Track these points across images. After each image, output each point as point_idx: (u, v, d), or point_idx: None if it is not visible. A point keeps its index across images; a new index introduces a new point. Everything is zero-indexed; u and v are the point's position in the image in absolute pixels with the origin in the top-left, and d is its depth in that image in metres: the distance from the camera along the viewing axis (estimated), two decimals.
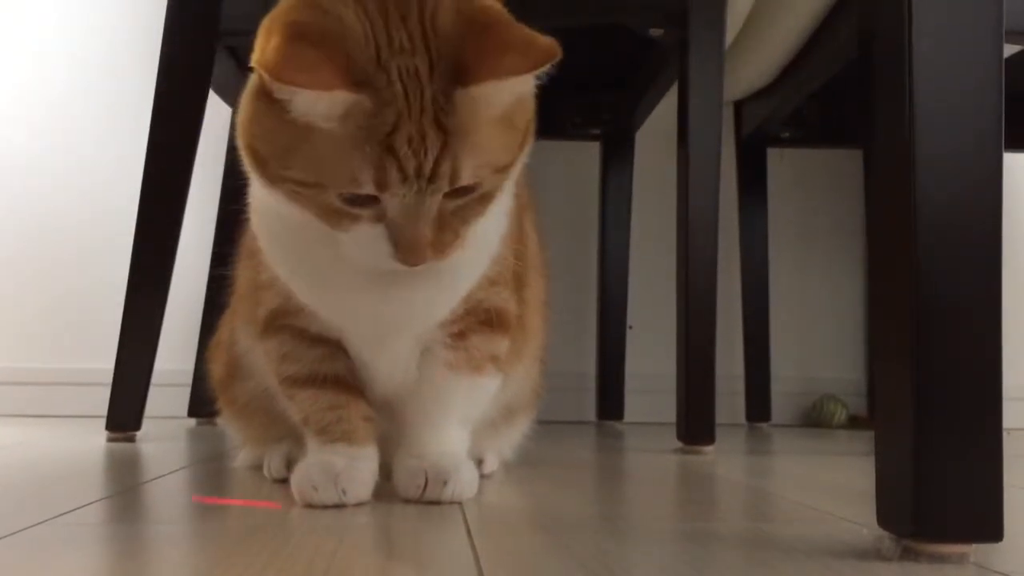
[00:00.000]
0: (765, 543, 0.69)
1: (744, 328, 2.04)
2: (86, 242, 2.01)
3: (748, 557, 0.64)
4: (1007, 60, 0.65)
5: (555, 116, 1.96)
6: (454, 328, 0.83)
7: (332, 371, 0.84)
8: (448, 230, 0.69)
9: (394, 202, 0.67)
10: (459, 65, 0.66)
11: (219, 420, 1.15)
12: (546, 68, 0.66)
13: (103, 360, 1.49)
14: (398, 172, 0.65)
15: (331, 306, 0.80)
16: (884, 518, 0.63)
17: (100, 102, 2.04)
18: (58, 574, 0.54)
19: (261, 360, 0.91)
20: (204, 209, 1.77)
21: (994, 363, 0.60)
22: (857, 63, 1.60)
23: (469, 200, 0.69)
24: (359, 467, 0.80)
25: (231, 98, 1.74)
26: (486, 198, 0.70)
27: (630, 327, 2.04)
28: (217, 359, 1.05)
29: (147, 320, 1.41)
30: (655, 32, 1.47)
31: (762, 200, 2.07)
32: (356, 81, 0.64)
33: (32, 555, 0.60)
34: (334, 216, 0.69)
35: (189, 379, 1.76)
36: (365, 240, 0.69)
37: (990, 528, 0.59)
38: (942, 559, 0.60)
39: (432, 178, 0.65)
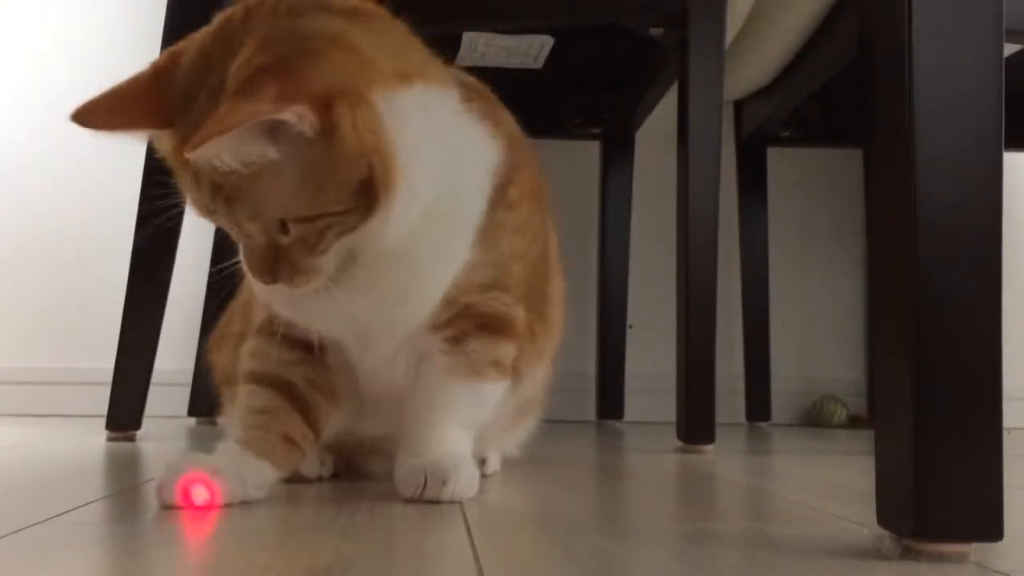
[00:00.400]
0: (765, 543, 0.69)
1: (744, 328, 2.04)
2: (86, 242, 2.01)
3: (748, 557, 0.64)
4: (1007, 59, 0.65)
5: (555, 116, 1.96)
6: (448, 332, 0.84)
7: (284, 375, 0.85)
8: (284, 263, 0.73)
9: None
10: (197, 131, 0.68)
11: (220, 419, 1.15)
12: (215, 140, 0.65)
13: (103, 359, 1.49)
14: (194, 200, 0.73)
15: (291, 312, 0.82)
16: (884, 517, 0.63)
17: None
18: (58, 573, 0.54)
19: None
20: None
21: (994, 363, 0.60)
22: (857, 62, 1.60)
23: (292, 240, 0.72)
24: (240, 470, 0.78)
25: None
26: (305, 241, 0.72)
27: (630, 326, 2.04)
28: (223, 351, 1.04)
29: (147, 319, 1.41)
30: (655, 32, 1.47)
31: (762, 200, 2.07)
32: (173, 117, 0.71)
33: (32, 554, 0.60)
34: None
35: (189, 378, 1.76)
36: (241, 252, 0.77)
37: (990, 527, 0.59)
38: (942, 558, 0.60)
39: (212, 211, 0.71)
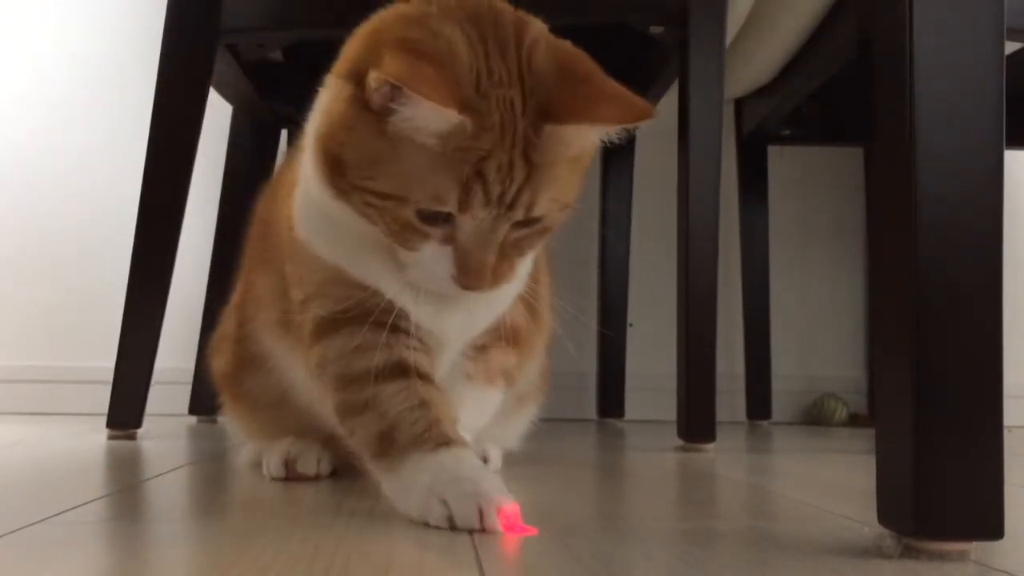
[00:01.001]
0: (766, 541, 0.69)
1: (744, 326, 2.04)
2: (87, 241, 2.01)
3: (748, 556, 0.64)
4: (1008, 57, 0.64)
5: None
6: (479, 341, 0.86)
7: (418, 362, 0.77)
8: (506, 260, 0.72)
9: (468, 225, 0.69)
10: (551, 104, 0.68)
11: (220, 418, 1.15)
12: (638, 125, 0.70)
13: (104, 358, 1.49)
14: (483, 195, 0.67)
15: (424, 313, 0.78)
16: (885, 516, 0.63)
17: (100, 101, 2.04)
18: (59, 572, 0.54)
19: (297, 368, 0.89)
20: (204, 208, 1.77)
21: (995, 361, 0.60)
22: (858, 61, 1.60)
23: (531, 232, 0.72)
24: (481, 467, 0.71)
25: (231, 96, 1.74)
26: (545, 231, 0.73)
27: (631, 325, 2.04)
28: (221, 353, 1.04)
29: (148, 318, 1.41)
30: (655, 30, 1.47)
31: (763, 198, 2.07)
32: (462, 103, 0.65)
33: (33, 553, 0.60)
34: (404, 232, 0.70)
35: (190, 377, 1.76)
36: (430, 260, 0.71)
37: (991, 526, 0.59)
38: (943, 557, 0.60)
39: (511, 206, 0.68)
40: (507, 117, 0.67)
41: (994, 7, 0.61)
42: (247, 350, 0.97)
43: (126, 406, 1.40)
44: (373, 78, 0.65)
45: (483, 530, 0.65)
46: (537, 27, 0.73)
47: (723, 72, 1.43)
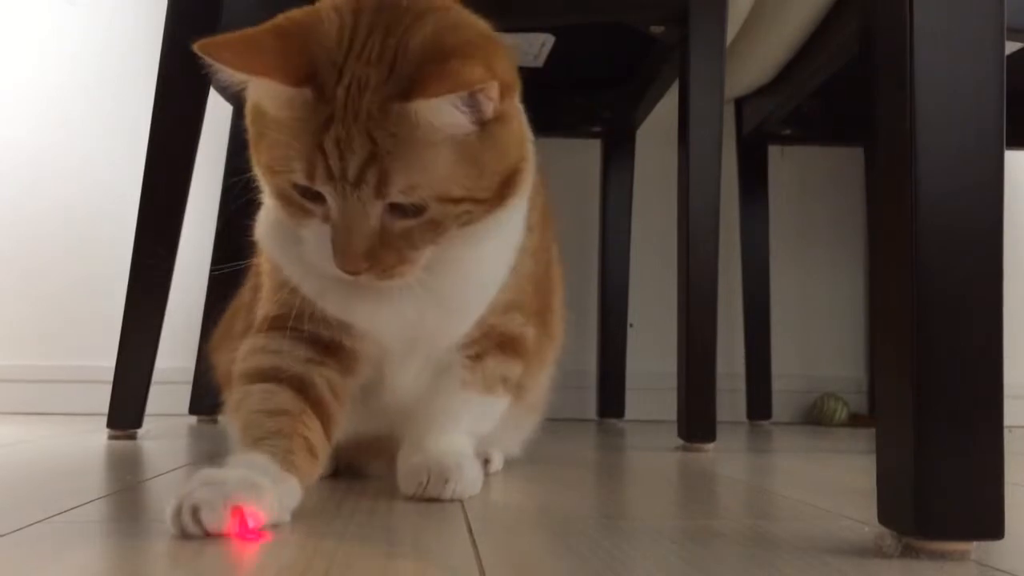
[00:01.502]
0: (766, 541, 0.69)
1: (745, 326, 2.04)
2: (87, 241, 2.01)
3: (749, 555, 0.64)
4: (1008, 57, 0.64)
5: (556, 114, 1.96)
6: (471, 351, 0.86)
7: (306, 374, 0.78)
8: (391, 249, 0.70)
9: (337, 202, 0.69)
10: (401, 85, 0.67)
11: (221, 417, 1.15)
12: (457, 94, 0.66)
13: (104, 358, 1.49)
14: (324, 168, 0.67)
15: (340, 306, 0.79)
16: (885, 516, 0.63)
17: (100, 99, 2.04)
18: (60, 571, 0.55)
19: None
20: (205, 207, 1.77)
21: (995, 360, 0.60)
22: (858, 61, 1.60)
23: (417, 224, 0.70)
24: (271, 487, 0.66)
25: (231, 97, 1.74)
26: (437, 225, 0.71)
27: (631, 325, 2.04)
28: (225, 351, 1.04)
29: (148, 318, 1.41)
30: (656, 30, 1.47)
31: (763, 198, 2.07)
32: (304, 75, 0.67)
33: (34, 552, 0.60)
34: (292, 208, 0.72)
35: (190, 377, 1.76)
36: (315, 238, 0.72)
37: (991, 526, 0.59)
38: (943, 557, 0.60)
39: (356, 183, 0.67)
40: (354, 92, 0.67)
41: (994, 7, 0.61)
42: None
43: (126, 406, 1.40)
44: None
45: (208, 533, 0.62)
46: (442, 15, 0.72)
47: (723, 72, 1.43)
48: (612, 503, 0.95)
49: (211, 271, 1.77)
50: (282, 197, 0.72)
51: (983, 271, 0.60)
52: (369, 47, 0.68)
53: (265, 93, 0.69)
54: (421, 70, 0.67)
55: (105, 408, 1.40)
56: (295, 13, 0.71)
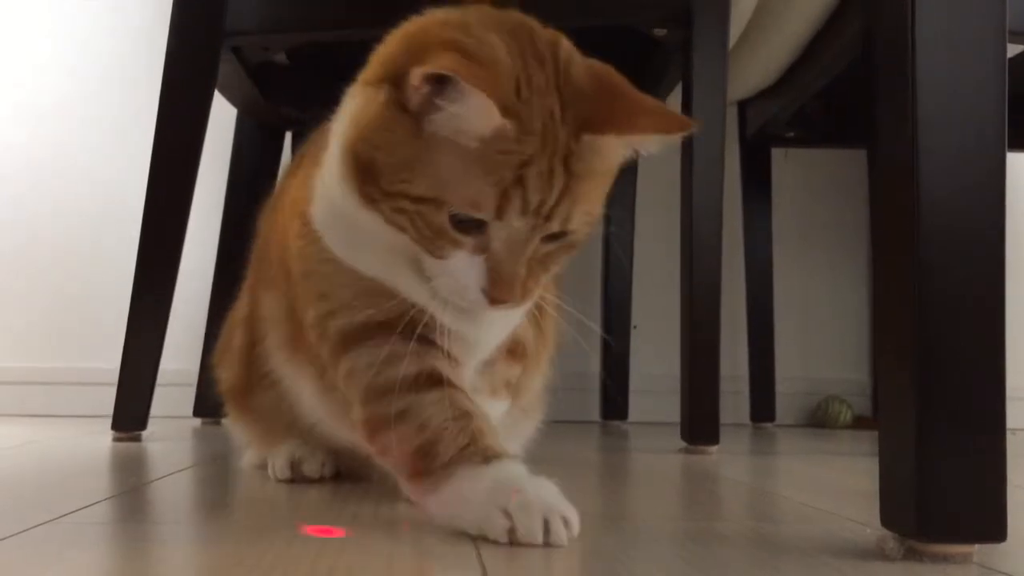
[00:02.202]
0: (769, 543, 0.69)
1: (748, 328, 2.04)
2: (92, 243, 2.02)
3: (752, 557, 0.64)
4: (1010, 60, 0.65)
5: None
6: (489, 355, 0.86)
7: (446, 370, 0.75)
8: (532, 275, 0.70)
9: (502, 233, 0.67)
10: (589, 115, 0.67)
11: (225, 421, 1.16)
12: (677, 137, 0.69)
13: (109, 360, 1.49)
14: (521, 203, 0.66)
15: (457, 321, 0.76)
16: (888, 518, 0.63)
17: (105, 101, 2.05)
18: (65, 572, 0.55)
19: (305, 390, 0.88)
20: (209, 209, 1.78)
21: (998, 363, 0.60)
22: (860, 63, 1.60)
23: (559, 247, 0.71)
24: (543, 484, 0.67)
25: (236, 99, 1.74)
26: (572, 247, 0.72)
27: (634, 327, 2.04)
28: (228, 366, 1.04)
29: (153, 320, 1.41)
30: (659, 32, 1.47)
31: (766, 200, 2.06)
32: (506, 106, 0.64)
33: (39, 553, 0.60)
34: (436, 239, 0.68)
35: (194, 379, 1.76)
36: (460, 270, 0.69)
37: (994, 528, 0.59)
38: (946, 559, 0.60)
39: (549, 216, 0.67)
40: (548, 124, 0.66)
41: (996, 9, 0.61)
42: (257, 370, 0.96)
43: (131, 408, 1.40)
44: (416, 75, 0.64)
45: (547, 544, 0.63)
46: (568, 44, 0.73)
47: (726, 74, 1.43)
48: (615, 505, 0.95)
49: (215, 274, 1.78)
50: (427, 228, 0.68)
51: (985, 273, 0.61)
52: (535, 76, 0.67)
53: (459, 122, 0.64)
54: (607, 104, 0.68)
55: (110, 410, 1.40)
56: (457, 37, 0.67)
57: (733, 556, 0.65)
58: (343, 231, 0.77)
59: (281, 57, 1.59)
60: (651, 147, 0.70)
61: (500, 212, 0.66)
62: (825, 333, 2.15)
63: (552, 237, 0.70)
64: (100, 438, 1.40)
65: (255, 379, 0.97)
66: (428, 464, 0.69)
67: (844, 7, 1.57)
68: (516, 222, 0.66)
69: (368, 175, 0.69)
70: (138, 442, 1.38)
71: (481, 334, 0.80)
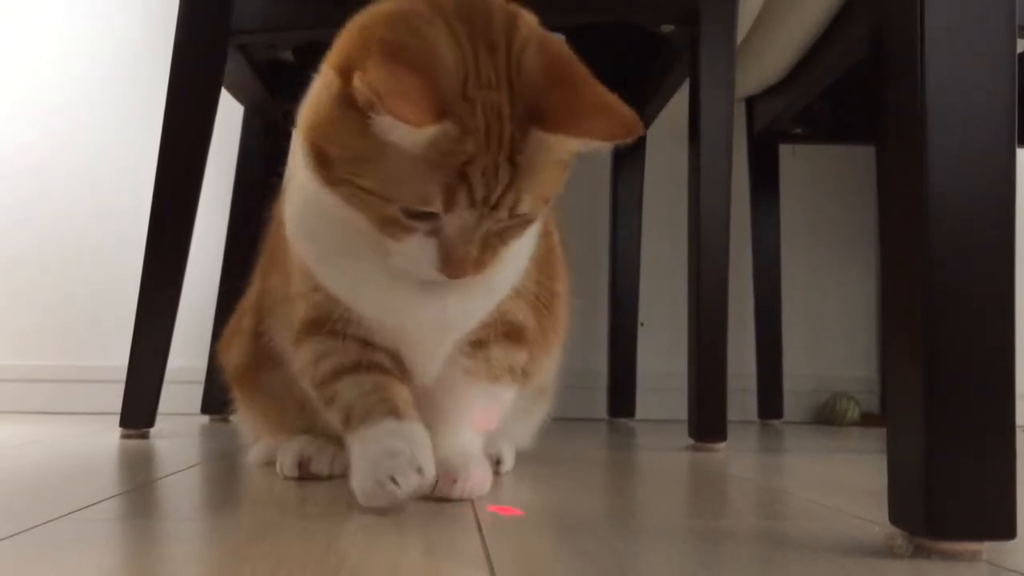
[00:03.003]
0: (777, 541, 0.69)
1: (756, 325, 2.04)
2: (99, 239, 2.02)
3: (760, 555, 0.64)
4: (1020, 56, 0.64)
5: None
6: (473, 336, 0.86)
7: (372, 359, 0.83)
8: (489, 249, 0.72)
9: (453, 221, 0.70)
10: (539, 109, 0.68)
11: (232, 417, 1.16)
12: (625, 141, 0.69)
13: (117, 357, 1.50)
14: (467, 197, 0.68)
15: (375, 307, 0.81)
16: (896, 516, 0.63)
17: (113, 100, 2.06)
18: (74, 569, 0.55)
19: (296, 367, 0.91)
20: (216, 206, 1.78)
21: (1007, 360, 0.60)
22: (869, 59, 1.60)
23: (514, 224, 0.72)
24: (418, 441, 0.76)
25: (243, 96, 1.75)
26: (528, 223, 0.74)
27: (642, 324, 2.03)
28: (235, 347, 1.04)
29: (160, 317, 1.42)
30: (667, 29, 1.46)
31: (774, 197, 2.06)
32: (443, 110, 0.65)
33: (48, 550, 0.60)
34: (390, 225, 0.71)
35: (202, 376, 1.77)
36: (414, 251, 0.72)
37: (1003, 526, 0.59)
38: (954, 557, 0.59)
39: (496, 206, 0.69)
40: (493, 121, 0.67)
41: (1006, 6, 0.61)
42: (263, 347, 0.98)
43: (139, 405, 1.40)
44: (357, 81, 0.64)
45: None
46: (528, 23, 0.72)
47: (734, 71, 1.42)
48: (622, 502, 0.95)
49: (222, 270, 1.78)
50: (380, 218, 0.70)
51: (994, 270, 0.60)
52: (485, 68, 0.68)
53: (396, 134, 0.65)
54: (558, 100, 0.68)
55: (118, 407, 1.40)
56: (398, 36, 0.67)
57: (741, 554, 0.65)
58: (304, 215, 0.81)
59: (287, 55, 1.59)
60: (603, 146, 0.70)
61: (447, 206, 0.68)
62: (833, 330, 2.15)
63: (516, 217, 0.71)
64: (108, 435, 1.41)
65: (260, 358, 0.98)
66: (347, 429, 0.80)
67: (852, 3, 1.56)
68: (464, 213, 0.69)
69: (325, 160, 0.71)
70: (146, 439, 1.38)
71: (425, 320, 0.81)
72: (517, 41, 0.70)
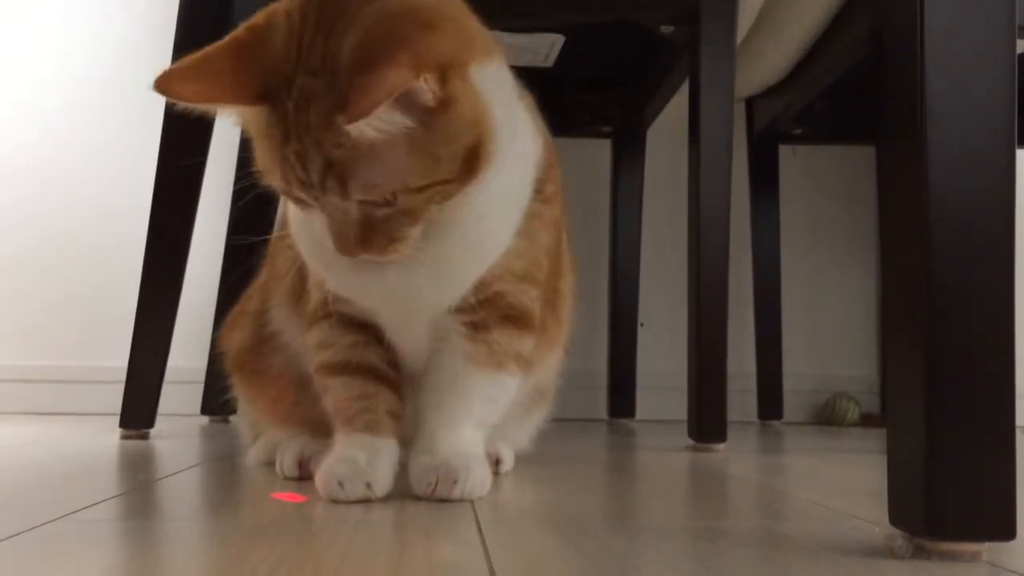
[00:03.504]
0: (776, 541, 0.69)
1: (756, 325, 2.04)
2: (99, 240, 2.02)
3: (759, 555, 0.64)
4: (1020, 56, 0.64)
5: (566, 114, 1.96)
6: (469, 317, 0.84)
7: (364, 359, 0.86)
8: (379, 234, 0.73)
9: (318, 201, 0.72)
10: (339, 98, 0.67)
11: (232, 418, 1.16)
12: (382, 105, 0.65)
13: (117, 358, 1.50)
14: (294, 177, 0.70)
15: (346, 285, 0.83)
16: (896, 516, 0.63)
17: (113, 100, 2.06)
18: (74, 570, 0.55)
19: (300, 346, 0.95)
20: (216, 206, 1.78)
21: (1007, 360, 0.60)
22: (869, 60, 1.60)
23: (394, 212, 0.72)
24: (380, 460, 0.81)
25: None
26: (411, 212, 0.73)
27: (641, 324, 2.03)
28: (238, 330, 1.04)
29: (160, 318, 1.42)
30: (666, 29, 1.46)
31: (774, 197, 2.06)
32: (259, 93, 0.69)
33: (48, 551, 0.60)
34: (296, 203, 0.75)
35: (202, 377, 1.77)
36: (317, 224, 0.75)
37: (1003, 526, 0.59)
38: (954, 558, 0.59)
39: (322, 189, 0.70)
40: (302, 106, 0.68)
41: (1006, 6, 0.61)
42: (266, 328, 0.99)
43: (139, 406, 1.40)
44: None
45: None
46: (379, 4, 0.70)
47: (734, 71, 1.42)
48: (622, 503, 0.95)
49: (223, 270, 1.78)
50: (283, 193, 0.75)
51: (994, 270, 0.60)
52: (313, 55, 0.69)
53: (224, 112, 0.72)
54: (351, 82, 0.66)
55: (118, 408, 1.40)
56: (257, 19, 0.72)
57: (740, 554, 0.65)
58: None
59: None
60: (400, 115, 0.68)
61: (284, 184, 0.71)
62: (833, 330, 2.15)
63: (378, 204, 0.71)
64: (108, 436, 1.41)
65: (263, 339, 0.99)
66: (336, 423, 0.86)
67: (852, 3, 1.56)
68: (300, 193, 0.71)
69: None
70: (146, 440, 1.38)
71: (381, 291, 0.81)
72: (353, 22, 0.69)
